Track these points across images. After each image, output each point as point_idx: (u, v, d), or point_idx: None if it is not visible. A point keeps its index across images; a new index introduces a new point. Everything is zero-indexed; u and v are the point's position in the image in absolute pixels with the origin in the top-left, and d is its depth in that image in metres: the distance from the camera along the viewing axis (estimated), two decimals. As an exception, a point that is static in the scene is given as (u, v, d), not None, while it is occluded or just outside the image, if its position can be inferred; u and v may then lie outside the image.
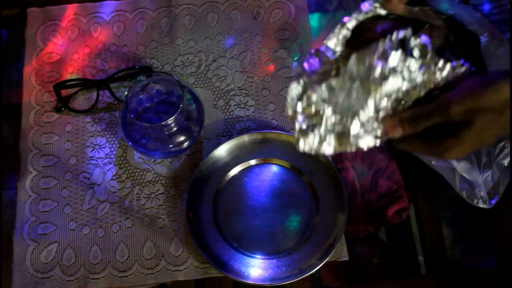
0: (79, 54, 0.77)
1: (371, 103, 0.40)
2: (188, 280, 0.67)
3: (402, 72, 0.39)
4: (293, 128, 0.43)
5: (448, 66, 0.40)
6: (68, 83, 0.73)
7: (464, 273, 0.69)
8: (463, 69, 0.41)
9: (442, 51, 0.41)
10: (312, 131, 0.42)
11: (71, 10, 0.79)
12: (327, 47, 0.42)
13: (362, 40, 0.41)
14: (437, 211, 0.72)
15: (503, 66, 0.67)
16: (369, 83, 0.39)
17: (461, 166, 0.65)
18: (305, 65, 0.43)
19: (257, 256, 0.66)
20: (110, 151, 0.72)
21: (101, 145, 0.72)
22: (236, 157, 0.70)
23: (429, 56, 0.40)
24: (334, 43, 0.42)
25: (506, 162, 0.65)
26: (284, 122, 0.73)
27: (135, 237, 0.68)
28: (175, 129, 0.64)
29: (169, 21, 0.79)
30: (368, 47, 0.39)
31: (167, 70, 0.76)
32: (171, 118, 0.60)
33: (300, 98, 0.41)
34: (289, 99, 0.42)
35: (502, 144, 0.66)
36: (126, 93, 0.63)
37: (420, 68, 0.39)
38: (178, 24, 0.79)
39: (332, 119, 0.41)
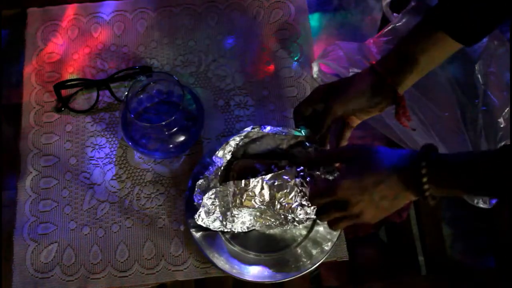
0: (79, 54, 0.77)
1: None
2: (188, 280, 0.67)
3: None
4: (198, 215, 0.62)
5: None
6: (68, 83, 0.73)
7: (464, 273, 0.69)
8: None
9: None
10: (211, 214, 0.62)
11: (71, 10, 0.80)
12: (216, 158, 0.64)
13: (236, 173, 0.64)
14: (437, 211, 0.72)
15: (503, 66, 0.67)
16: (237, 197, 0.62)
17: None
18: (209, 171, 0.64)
19: (257, 255, 0.66)
20: (110, 151, 0.72)
21: (101, 145, 0.72)
22: (236, 157, 0.70)
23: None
24: (221, 154, 0.64)
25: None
26: (284, 122, 0.73)
27: (135, 237, 0.68)
28: (175, 129, 0.64)
29: (169, 21, 0.79)
30: (241, 180, 0.61)
31: (167, 70, 0.76)
32: (171, 118, 0.60)
33: (204, 192, 0.62)
34: (196, 192, 0.63)
35: (502, 144, 0.66)
36: (126, 93, 0.63)
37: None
38: (178, 24, 0.79)
39: (219, 209, 0.62)
